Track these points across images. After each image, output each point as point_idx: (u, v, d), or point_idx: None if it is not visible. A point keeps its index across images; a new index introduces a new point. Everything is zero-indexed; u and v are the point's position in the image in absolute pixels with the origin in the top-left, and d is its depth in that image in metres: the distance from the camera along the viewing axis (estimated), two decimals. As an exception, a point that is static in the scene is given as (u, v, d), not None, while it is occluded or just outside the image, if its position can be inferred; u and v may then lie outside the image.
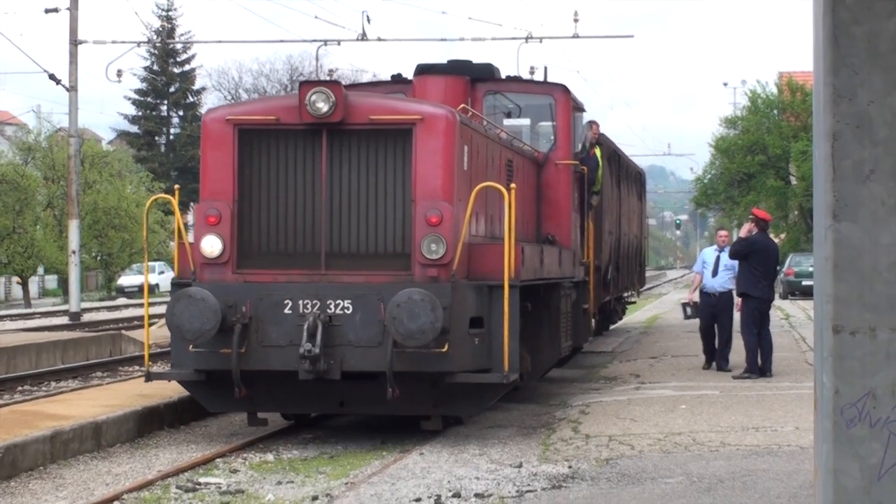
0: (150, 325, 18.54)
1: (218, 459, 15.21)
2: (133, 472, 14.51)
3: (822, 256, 3.66)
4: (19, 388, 22.23)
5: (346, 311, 14.83)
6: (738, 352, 22.54)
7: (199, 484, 13.83)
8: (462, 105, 18.11)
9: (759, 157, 67.32)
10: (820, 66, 3.70)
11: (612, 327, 34.14)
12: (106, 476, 14.36)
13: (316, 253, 15.48)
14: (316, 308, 14.80)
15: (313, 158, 15.50)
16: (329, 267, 15.40)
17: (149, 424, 17.36)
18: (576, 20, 42.85)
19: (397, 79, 21.32)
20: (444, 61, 21.96)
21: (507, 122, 21.43)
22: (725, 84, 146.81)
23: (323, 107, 15.02)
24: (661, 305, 50.69)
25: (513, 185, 15.99)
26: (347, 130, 15.38)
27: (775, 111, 68.93)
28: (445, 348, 14.58)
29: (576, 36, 42.65)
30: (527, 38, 43.01)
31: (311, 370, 14.54)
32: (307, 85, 15.41)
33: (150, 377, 16.35)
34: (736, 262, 22.00)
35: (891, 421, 3.61)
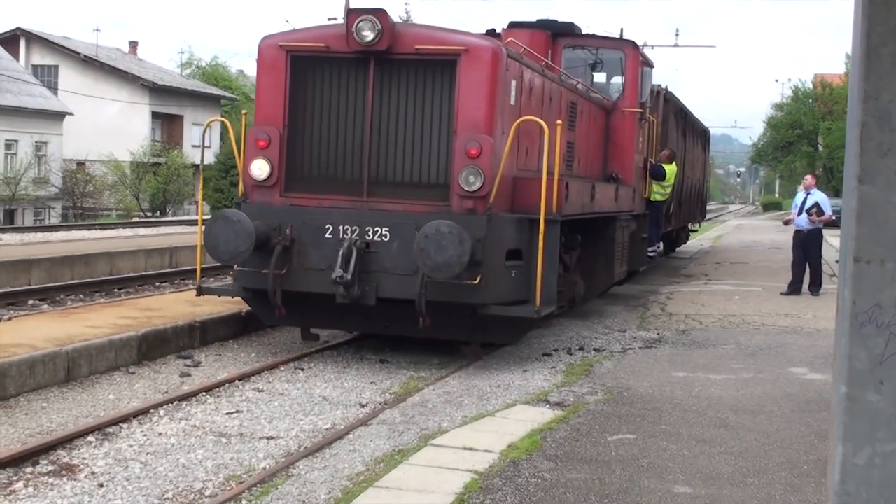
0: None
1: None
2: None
3: (849, 208, 3.57)
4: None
5: (383, 238, 10.76)
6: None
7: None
8: (509, 39, 13.50)
9: (797, 131, 65.80)
10: (855, 74, 3.61)
11: (677, 249, 29.44)
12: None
13: (359, 180, 11.18)
14: (355, 234, 10.77)
15: (361, 87, 11.17)
16: (371, 194, 11.13)
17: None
18: (676, 34, 42.06)
19: (491, 32, 15.79)
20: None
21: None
22: (777, 80, 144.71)
23: (369, 35, 10.76)
24: (725, 229, 49.64)
25: (558, 122, 11.44)
26: (394, 60, 11.00)
27: (810, 100, 67.09)
28: (478, 280, 10.45)
29: (676, 45, 41.68)
30: (643, 45, 42.10)
31: (345, 295, 10.64)
32: (354, 13, 11.01)
33: (200, 291, 11.94)
34: (819, 200, 18.16)
35: (891, 324, 3.55)
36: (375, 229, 10.78)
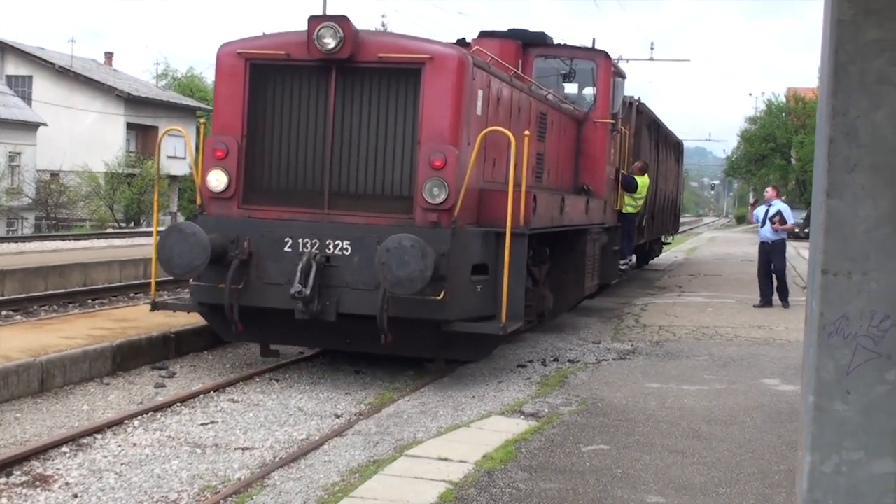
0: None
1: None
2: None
3: (818, 222, 3.63)
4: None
5: (344, 252, 10.37)
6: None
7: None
8: (476, 48, 12.87)
9: (771, 144, 66.23)
10: (824, 90, 3.67)
11: (650, 262, 29.24)
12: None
13: (320, 192, 10.78)
14: (315, 248, 10.39)
15: (322, 96, 10.75)
16: (332, 206, 10.72)
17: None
18: (651, 48, 42.40)
19: (461, 42, 15.25)
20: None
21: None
22: (750, 94, 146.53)
23: (330, 42, 10.36)
24: (698, 241, 49.87)
25: (526, 133, 11.07)
26: (356, 68, 10.59)
27: (783, 113, 67.56)
28: (442, 295, 10.04)
29: (651, 59, 42.05)
30: (618, 59, 42.29)
31: (304, 311, 10.29)
32: (316, 20, 10.54)
33: (155, 306, 11.42)
34: (781, 209, 18.24)
35: (858, 335, 3.61)
36: (336, 243, 10.40)
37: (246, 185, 10.93)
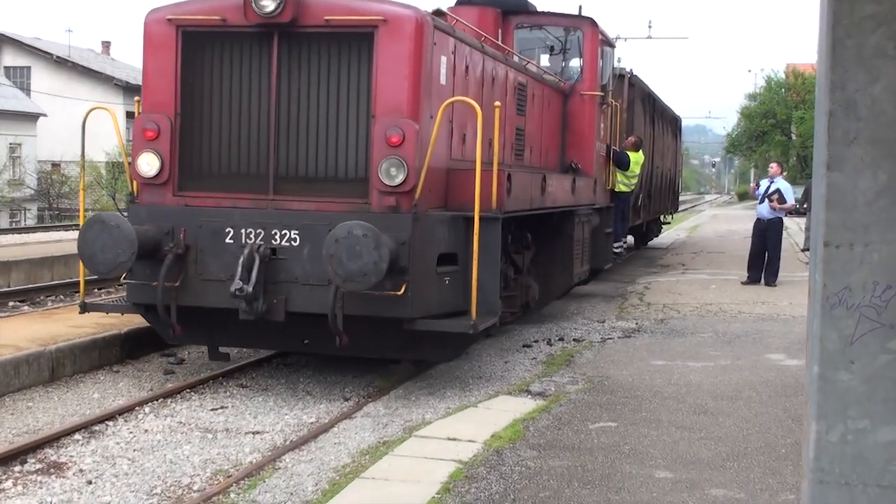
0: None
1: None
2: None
3: (819, 194, 3.70)
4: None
5: (292, 242, 9.13)
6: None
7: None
8: (436, 8, 11.40)
9: (770, 120, 66.17)
10: (822, 65, 3.74)
11: (649, 243, 28.08)
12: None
13: (264, 175, 9.50)
14: (259, 238, 9.18)
15: (264, 66, 9.48)
16: (278, 192, 9.44)
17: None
18: (649, 26, 42.37)
19: (437, 13, 11.85)
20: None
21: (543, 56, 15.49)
22: (749, 70, 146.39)
23: (269, 4, 9.10)
24: (700, 219, 49.86)
25: (497, 104, 9.55)
26: (301, 33, 9.33)
27: (783, 89, 67.45)
28: (402, 291, 8.82)
29: (649, 37, 41.99)
30: (616, 38, 42.16)
31: (248, 310, 9.04)
32: None
33: (85, 308, 10.17)
34: (781, 188, 17.80)
35: (861, 306, 3.67)
36: (283, 232, 9.18)
37: (181, 170, 9.71)
